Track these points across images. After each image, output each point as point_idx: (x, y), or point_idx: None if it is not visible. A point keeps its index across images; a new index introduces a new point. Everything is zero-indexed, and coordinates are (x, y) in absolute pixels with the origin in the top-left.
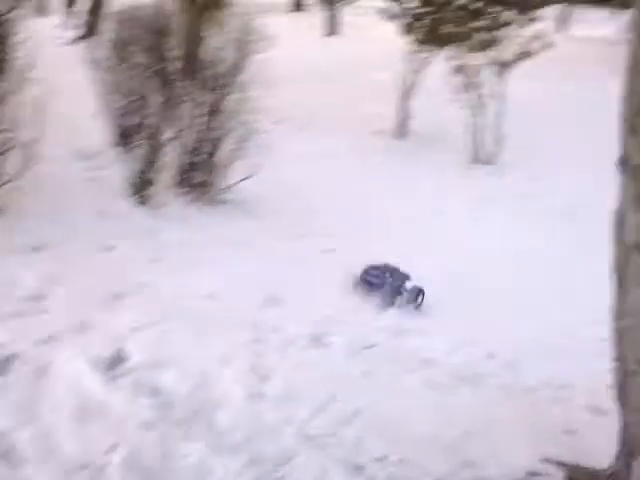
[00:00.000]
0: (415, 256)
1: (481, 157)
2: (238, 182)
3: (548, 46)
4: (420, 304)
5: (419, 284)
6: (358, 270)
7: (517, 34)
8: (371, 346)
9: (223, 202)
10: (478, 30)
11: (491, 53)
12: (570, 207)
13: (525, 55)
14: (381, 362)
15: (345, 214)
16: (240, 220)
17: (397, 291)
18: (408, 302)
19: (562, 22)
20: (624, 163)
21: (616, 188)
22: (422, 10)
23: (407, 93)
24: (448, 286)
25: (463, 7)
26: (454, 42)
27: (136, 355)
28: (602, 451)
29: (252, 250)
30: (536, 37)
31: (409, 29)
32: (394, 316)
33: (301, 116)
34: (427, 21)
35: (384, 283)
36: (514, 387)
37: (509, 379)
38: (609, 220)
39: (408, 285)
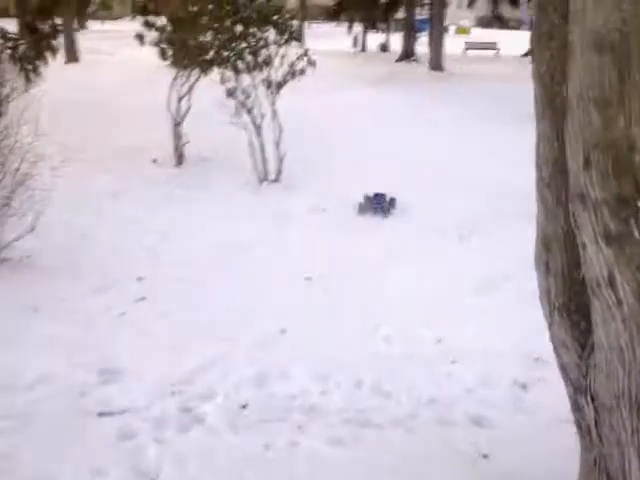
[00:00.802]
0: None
1: (266, 176)
2: (17, 238)
3: (312, 64)
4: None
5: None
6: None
7: (283, 54)
8: (245, 405)
9: (3, 262)
10: (241, 52)
11: (261, 74)
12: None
13: (294, 74)
14: (265, 424)
15: (144, 254)
16: (29, 280)
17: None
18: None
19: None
20: (582, 198)
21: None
22: (181, 35)
23: (179, 118)
24: None
25: (225, 29)
26: (218, 65)
27: None
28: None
29: (57, 315)
30: (301, 56)
31: (170, 54)
32: None
33: (71, 154)
34: (187, 45)
35: (382, 205)
36: (401, 417)
37: (390, 408)
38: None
39: (387, 199)
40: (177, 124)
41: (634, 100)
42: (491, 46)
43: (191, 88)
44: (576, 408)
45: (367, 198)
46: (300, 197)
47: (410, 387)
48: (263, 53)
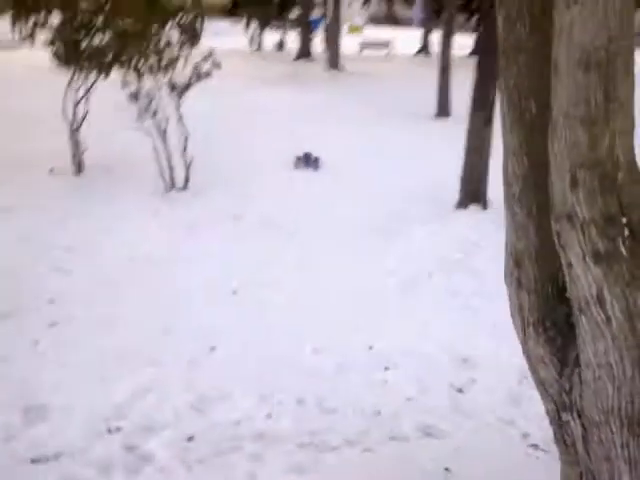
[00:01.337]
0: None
1: (173, 184)
2: None
3: (217, 66)
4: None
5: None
6: None
7: (187, 55)
8: (192, 437)
9: None
10: (142, 53)
11: (166, 76)
12: (270, 221)
13: (200, 76)
14: (218, 457)
15: (51, 273)
16: None
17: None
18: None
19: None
20: (569, 218)
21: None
22: (76, 36)
23: (76, 123)
24: None
25: (122, 32)
26: (120, 67)
27: None
28: None
29: None
30: (206, 57)
31: (64, 54)
32: None
33: None
34: (84, 47)
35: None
36: (353, 436)
37: (338, 426)
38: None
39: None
40: (74, 130)
41: (618, 118)
42: (385, 45)
43: (88, 91)
44: (558, 423)
45: (298, 158)
46: (211, 204)
47: (352, 400)
48: (167, 54)
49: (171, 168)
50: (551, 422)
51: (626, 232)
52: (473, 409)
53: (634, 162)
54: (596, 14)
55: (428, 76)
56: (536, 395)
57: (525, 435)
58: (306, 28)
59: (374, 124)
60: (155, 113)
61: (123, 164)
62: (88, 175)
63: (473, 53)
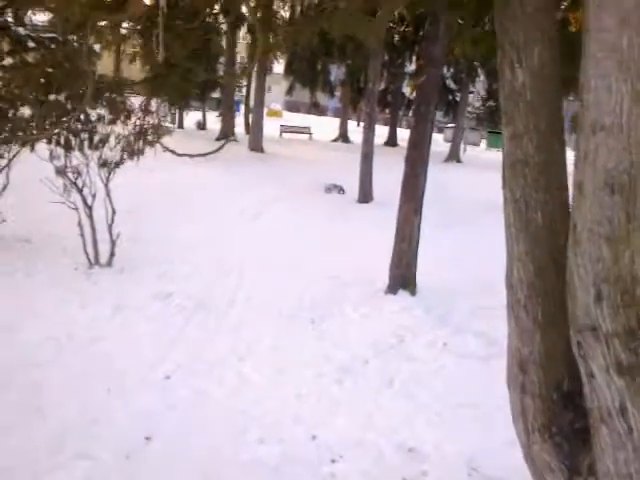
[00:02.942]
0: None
1: (97, 260)
2: None
3: (150, 144)
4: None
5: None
6: None
7: (119, 133)
8: None
9: None
10: (77, 132)
11: (96, 153)
12: (199, 301)
13: (132, 153)
14: None
15: None
16: None
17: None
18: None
19: None
20: (593, 330)
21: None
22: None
23: None
24: None
25: (53, 105)
26: (47, 142)
27: None
28: None
29: None
30: (139, 136)
31: None
32: None
33: None
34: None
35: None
36: None
37: None
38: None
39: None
40: None
41: (637, 237)
42: (305, 130)
43: (10, 162)
44: None
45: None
46: (137, 281)
47: None
48: (99, 131)
49: (95, 243)
50: None
51: None
52: None
53: None
54: (620, 141)
55: (347, 162)
56: None
57: None
58: (229, 109)
59: (301, 207)
60: (82, 188)
61: (44, 238)
62: (4, 247)
63: (387, 144)
